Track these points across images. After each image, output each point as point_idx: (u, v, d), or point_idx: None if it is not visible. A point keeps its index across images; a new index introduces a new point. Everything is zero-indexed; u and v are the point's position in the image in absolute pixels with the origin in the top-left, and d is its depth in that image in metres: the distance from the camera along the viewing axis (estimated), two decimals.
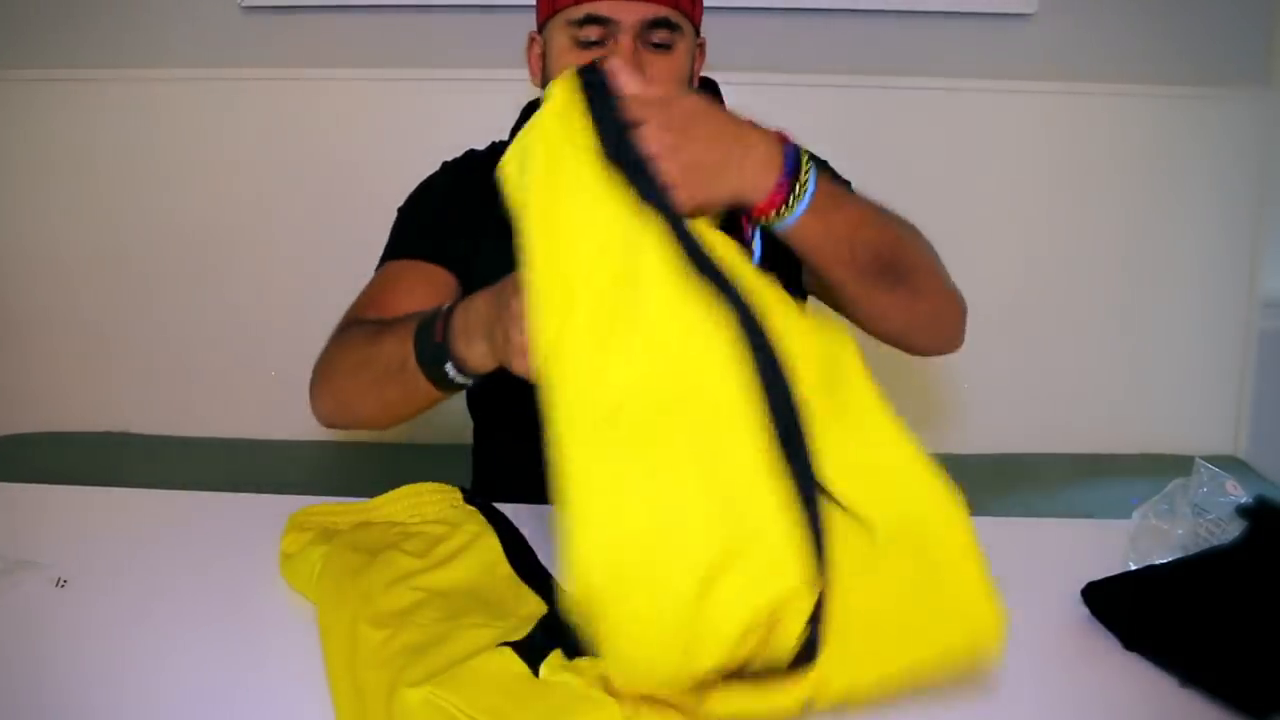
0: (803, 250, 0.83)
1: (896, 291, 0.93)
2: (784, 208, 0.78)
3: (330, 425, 1.02)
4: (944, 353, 1.05)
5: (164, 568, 0.92)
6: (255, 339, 2.14)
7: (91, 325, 2.17)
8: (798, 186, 0.77)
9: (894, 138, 2.04)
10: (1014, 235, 2.07)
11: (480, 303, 0.77)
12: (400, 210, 1.21)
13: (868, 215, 0.89)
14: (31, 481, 1.17)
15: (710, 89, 1.22)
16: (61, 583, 0.90)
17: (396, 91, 2.05)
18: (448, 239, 1.12)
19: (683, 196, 0.69)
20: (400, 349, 0.84)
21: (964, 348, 2.25)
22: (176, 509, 1.10)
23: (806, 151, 0.79)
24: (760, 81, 1.95)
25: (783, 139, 0.79)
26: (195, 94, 2.06)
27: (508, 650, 0.74)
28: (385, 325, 0.91)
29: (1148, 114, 2.01)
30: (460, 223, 1.13)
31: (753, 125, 0.77)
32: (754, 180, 0.76)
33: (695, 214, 0.71)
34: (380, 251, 1.19)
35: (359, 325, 0.98)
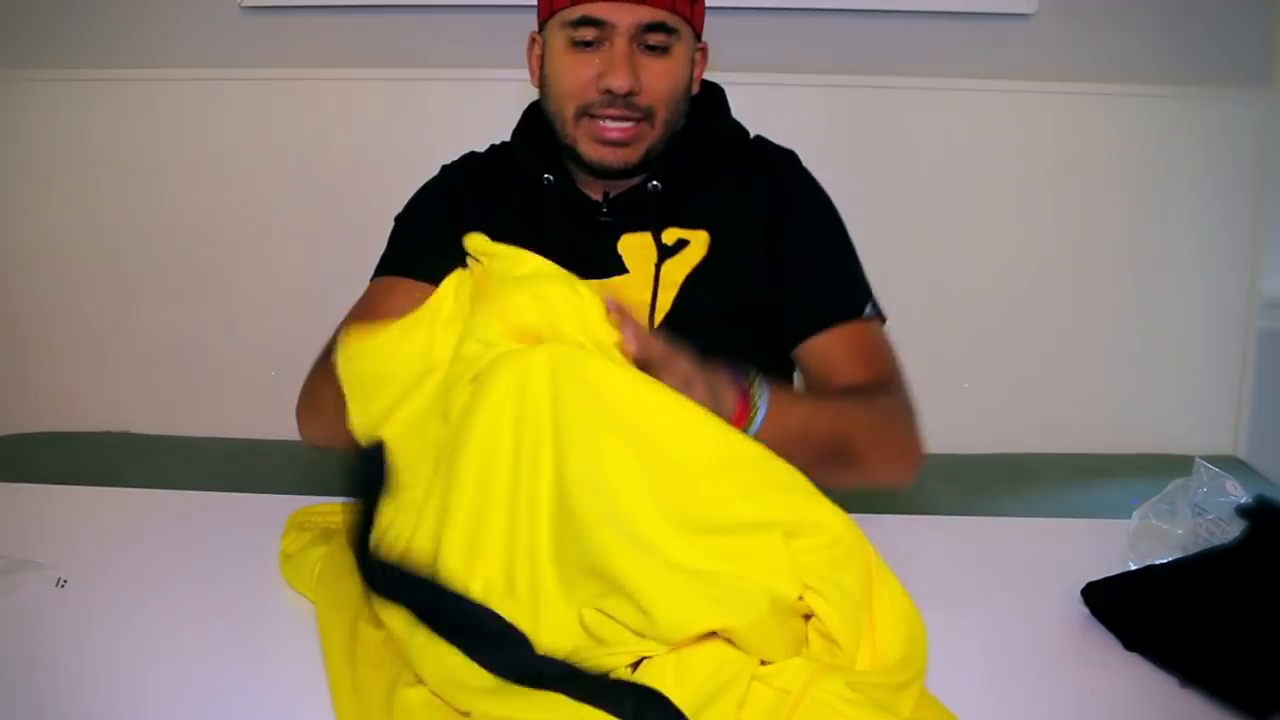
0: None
1: (846, 471, 0.96)
2: (749, 415, 0.90)
3: (317, 448, 1.03)
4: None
5: (164, 568, 0.92)
6: (255, 339, 2.14)
7: (91, 325, 2.17)
8: (753, 407, 0.90)
9: (894, 138, 2.03)
10: (1014, 235, 2.07)
11: None
12: (397, 219, 1.20)
13: (820, 413, 0.99)
14: (31, 481, 1.17)
15: (714, 95, 1.21)
16: (61, 583, 0.90)
17: (396, 91, 2.05)
18: (440, 255, 1.07)
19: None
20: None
21: (964, 348, 2.26)
22: (176, 509, 1.10)
23: (755, 378, 0.91)
24: (760, 81, 1.95)
25: (735, 379, 0.90)
26: (195, 94, 2.06)
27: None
28: None
29: (1148, 114, 2.01)
30: (456, 234, 1.12)
31: (716, 371, 0.88)
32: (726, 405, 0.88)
33: None
34: (378, 253, 1.19)
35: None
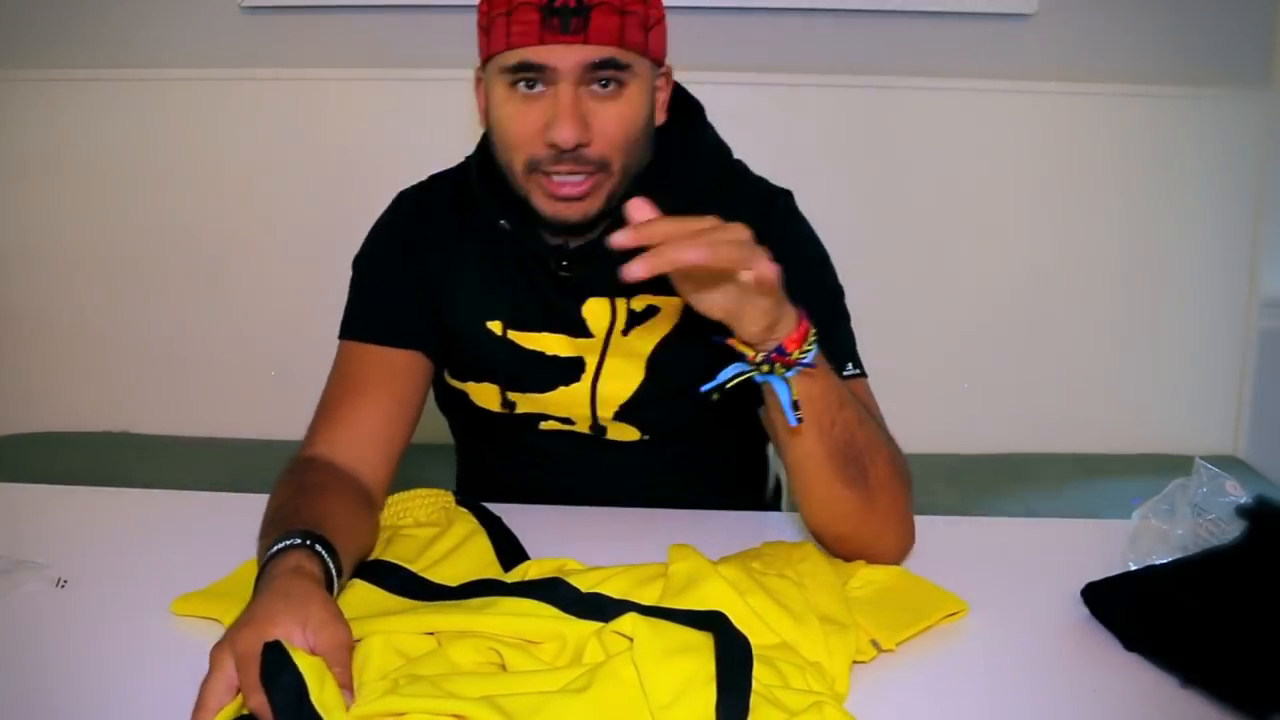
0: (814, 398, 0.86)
1: (854, 488, 0.90)
2: (805, 344, 0.84)
3: None
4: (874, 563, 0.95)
5: (164, 568, 0.92)
6: (255, 339, 2.14)
7: (91, 325, 2.17)
8: (808, 340, 0.84)
9: (894, 138, 2.04)
10: (1014, 235, 2.07)
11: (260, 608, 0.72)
12: (356, 264, 1.12)
13: (853, 404, 0.91)
14: (31, 481, 1.17)
15: (693, 110, 1.09)
16: (61, 583, 0.90)
17: (396, 91, 2.05)
18: (406, 315, 1.06)
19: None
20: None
21: (964, 348, 2.26)
22: (176, 509, 1.10)
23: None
24: (760, 81, 1.95)
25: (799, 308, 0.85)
26: (195, 94, 2.06)
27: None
28: (297, 497, 0.88)
29: (1147, 114, 2.01)
30: (418, 289, 1.07)
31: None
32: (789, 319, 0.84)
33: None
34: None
35: (291, 482, 0.92)
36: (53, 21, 2.06)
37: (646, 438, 1.09)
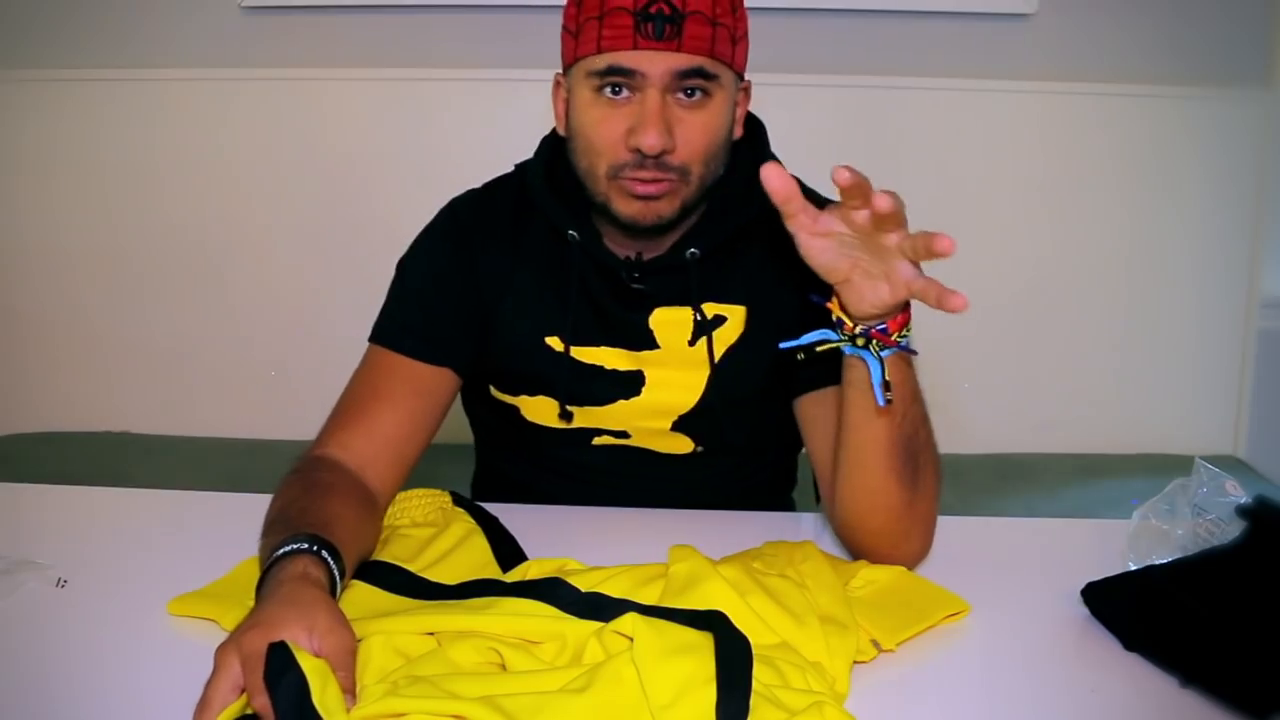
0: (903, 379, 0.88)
1: (903, 484, 0.90)
2: (905, 329, 0.86)
3: None
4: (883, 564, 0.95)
5: (164, 568, 0.92)
6: (255, 339, 2.14)
7: (91, 325, 2.17)
8: (908, 327, 0.87)
9: (894, 137, 2.04)
10: (1013, 235, 2.07)
11: (267, 614, 0.71)
12: (401, 268, 1.08)
13: (923, 401, 0.93)
14: (31, 481, 1.17)
15: (757, 134, 1.09)
16: (61, 583, 0.89)
17: (396, 91, 2.05)
18: (454, 335, 1.04)
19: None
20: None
21: (964, 347, 2.26)
22: (176, 509, 1.10)
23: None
24: (761, 81, 1.93)
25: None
26: (195, 94, 2.06)
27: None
28: (304, 496, 0.88)
29: (1147, 114, 2.01)
30: (473, 308, 1.05)
31: None
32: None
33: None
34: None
35: (299, 480, 0.92)
36: (53, 21, 2.06)
37: (700, 449, 1.09)
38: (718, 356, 1.04)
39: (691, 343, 1.04)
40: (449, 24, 2.02)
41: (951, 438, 1.99)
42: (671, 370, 1.05)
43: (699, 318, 1.03)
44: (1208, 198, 2.05)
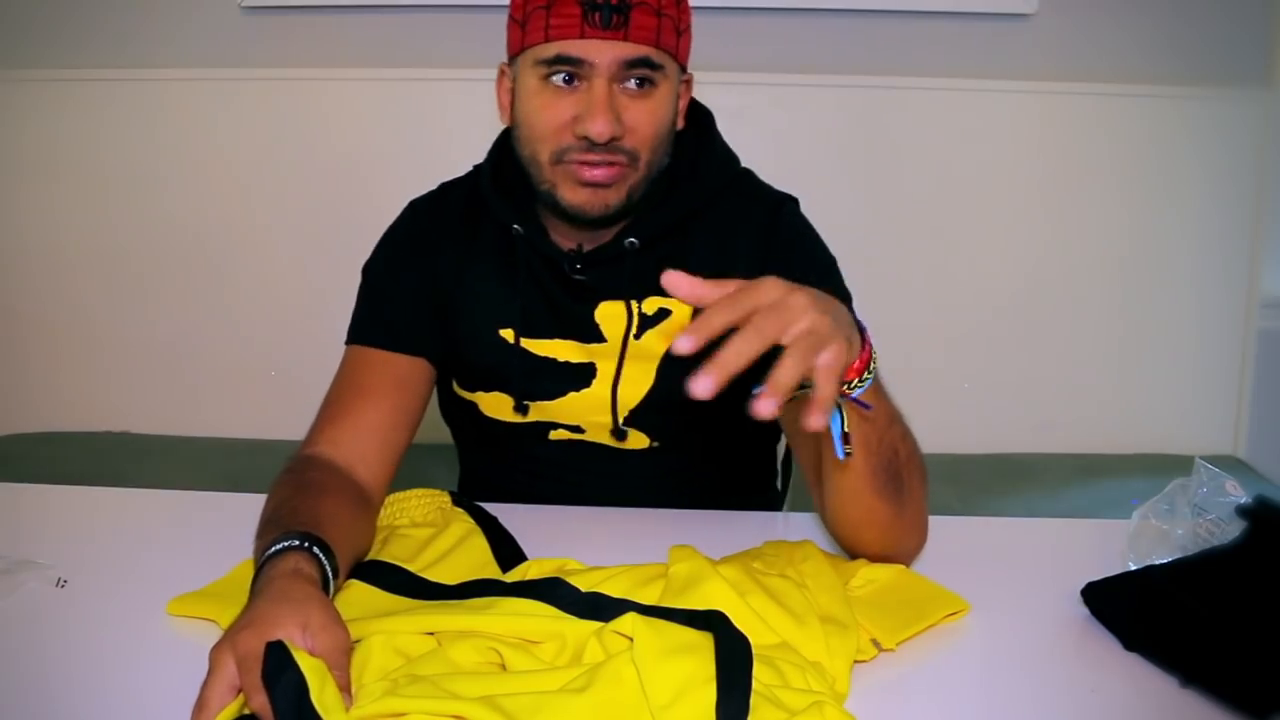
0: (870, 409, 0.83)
1: (889, 500, 0.90)
2: (865, 372, 0.80)
3: None
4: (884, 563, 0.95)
5: (164, 568, 0.92)
6: (255, 339, 2.14)
7: (91, 325, 2.17)
8: (873, 363, 0.81)
9: (894, 138, 2.04)
10: (1013, 235, 2.07)
11: (259, 611, 0.71)
12: (366, 271, 1.12)
13: (900, 420, 0.90)
14: (31, 481, 1.17)
15: (701, 123, 1.10)
16: (61, 583, 0.90)
17: (396, 91, 2.05)
18: (416, 321, 1.07)
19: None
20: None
21: (964, 348, 2.26)
22: (176, 509, 1.11)
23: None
24: (760, 81, 1.95)
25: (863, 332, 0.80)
26: (195, 94, 2.06)
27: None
28: (295, 496, 0.88)
29: (1147, 114, 2.01)
30: (431, 296, 1.08)
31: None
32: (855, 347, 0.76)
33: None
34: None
35: (290, 480, 0.92)
36: (53, 21, 2.06)
37: (657, 444, 1.09)
38: (662, 351, 1.04)
39: (637, 336, 1.05)
40: (449, 24, 2.02)
41: (951, 438, 2.02)
42: (617, 363, 1.05)
43: (630, 311, 1.04)
44: (1207, 198, 2.04)
